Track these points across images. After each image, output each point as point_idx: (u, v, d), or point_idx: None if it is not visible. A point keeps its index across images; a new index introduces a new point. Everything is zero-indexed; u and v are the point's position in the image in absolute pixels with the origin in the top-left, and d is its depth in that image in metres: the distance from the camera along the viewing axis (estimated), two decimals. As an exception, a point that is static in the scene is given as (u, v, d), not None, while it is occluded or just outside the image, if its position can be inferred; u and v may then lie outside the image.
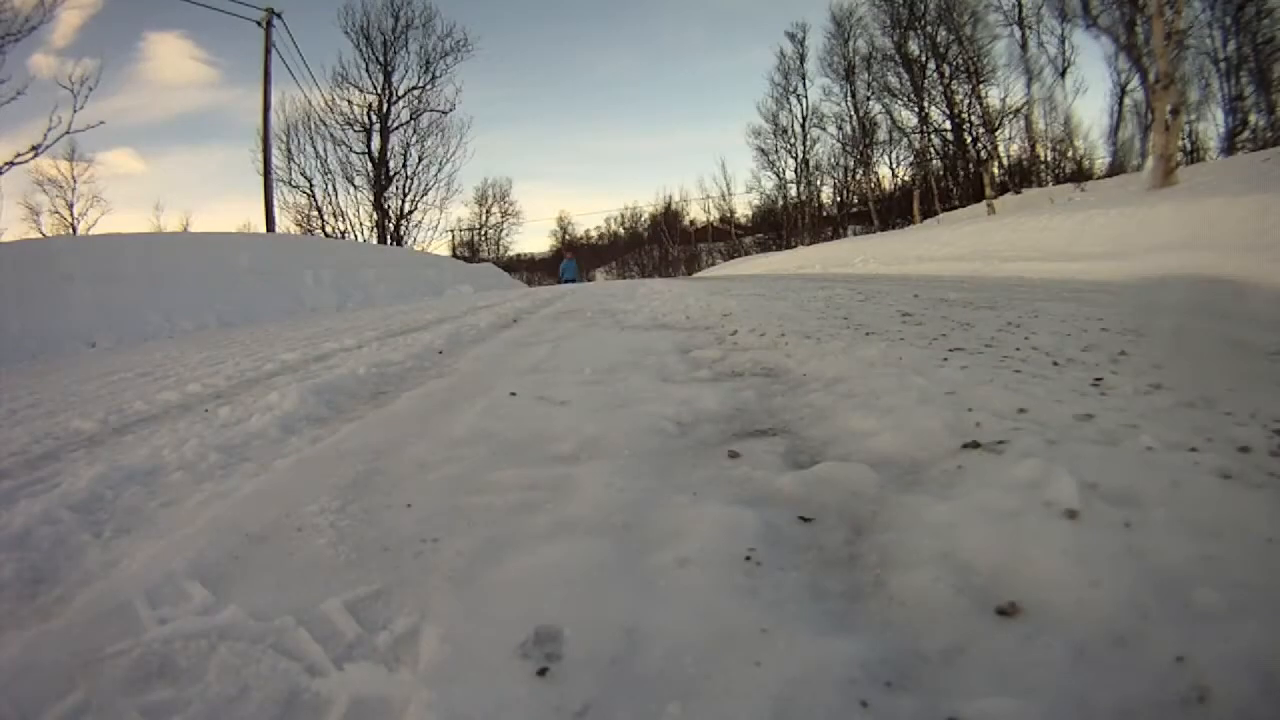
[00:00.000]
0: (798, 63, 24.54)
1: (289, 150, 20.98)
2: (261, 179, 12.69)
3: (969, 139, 20.81)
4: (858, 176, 24.70)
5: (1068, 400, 1.25)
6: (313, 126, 20.95)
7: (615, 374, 1.88)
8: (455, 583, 0.81)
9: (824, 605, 0.72)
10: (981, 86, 20.10)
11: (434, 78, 21.20)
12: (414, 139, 21.81)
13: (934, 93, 21.25)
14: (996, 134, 20.40)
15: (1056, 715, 0.54)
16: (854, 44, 22.91)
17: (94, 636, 0.75)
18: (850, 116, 23.77)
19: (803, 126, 24.99)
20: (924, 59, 21.04)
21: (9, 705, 0.65)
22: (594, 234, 36.14)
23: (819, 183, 25.53)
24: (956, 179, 22.36)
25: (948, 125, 21.41)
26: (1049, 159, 21.29)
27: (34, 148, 9.30)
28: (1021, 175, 20.85)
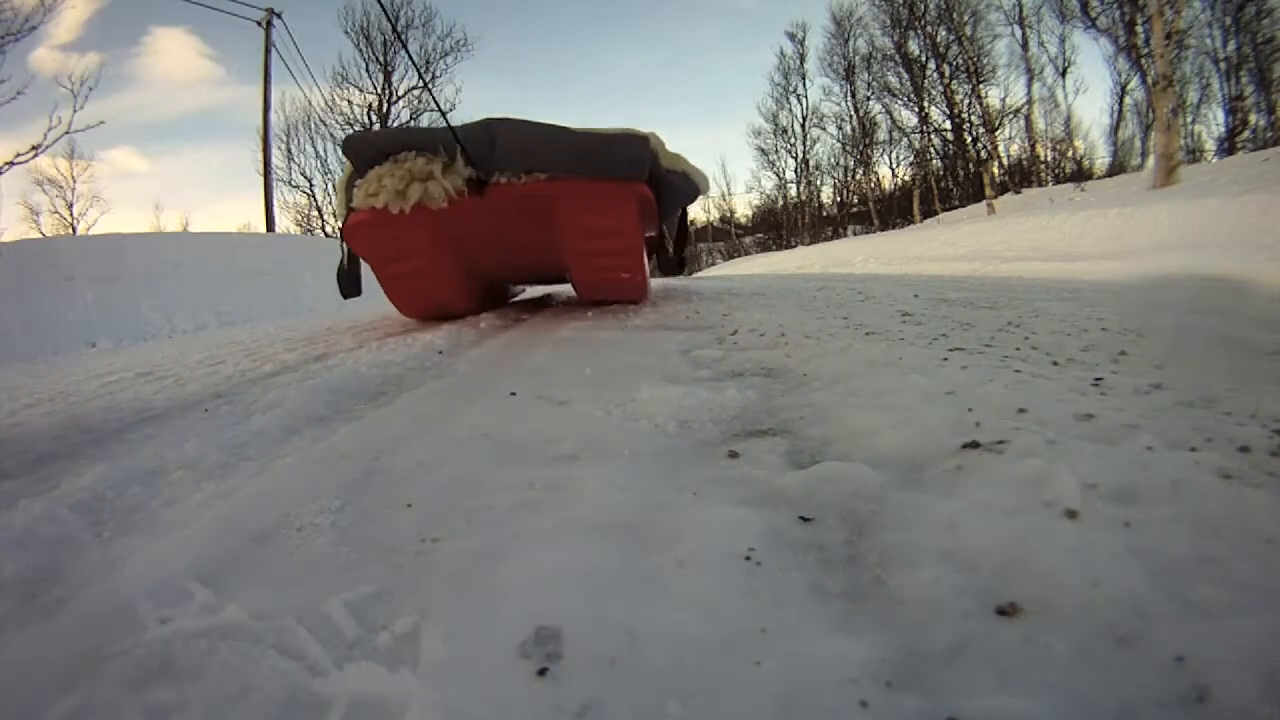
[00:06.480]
0: (798, 63, 24.54)
1: (289, 150, 21.04)
2: (261, 179, 12.70)
3: (969, 139, 20.81)
4: (858, 176, 24.71)
5: (1068, 400, 1.25)
6: (313, 126, 21.00)
7: (616, 374, 1.88)
8: (456, 582, 0.81)
9: (824, 605, 0.72)
10: (981, 86, 20.13)
11: (434, 77, 21.21)
12: (414, 139, 21.81)
13: (934, 93, 21.27)
14: (996, 134, 20.42)
15: (1057, 715, 0.54)
16: (854, 44, 22.95)
17: (95, 636, 0.75)
18: (850, 116, 23.79)
19: (803, 126, 24.98)
20: (924, 59, 21.06)
21: (10, 705, 0.65)
22: (594, 234, 36.11)
23: (819, 183, 25.54)
24: (956, 179, 22.38)
25: (948, 125, 21.43)
26: (1049, 159, 21.34)
27: (34, 148, 9.30)
28: (1021, 175, 20.88)
